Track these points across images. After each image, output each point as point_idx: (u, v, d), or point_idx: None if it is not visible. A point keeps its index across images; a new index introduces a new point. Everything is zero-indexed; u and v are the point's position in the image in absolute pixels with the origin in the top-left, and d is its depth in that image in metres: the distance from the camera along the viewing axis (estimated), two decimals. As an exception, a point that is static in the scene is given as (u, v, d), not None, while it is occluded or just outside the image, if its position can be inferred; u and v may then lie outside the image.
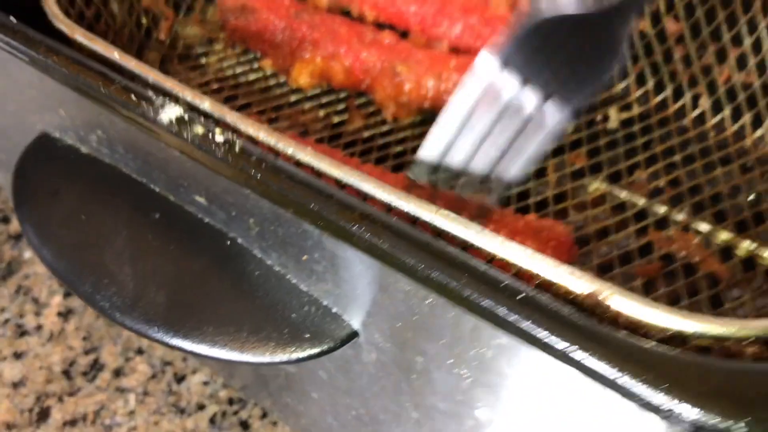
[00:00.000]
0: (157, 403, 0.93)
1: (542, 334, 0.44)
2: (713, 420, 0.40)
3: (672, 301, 0.69)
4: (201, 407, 0.92)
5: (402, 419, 0.66)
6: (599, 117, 0.85)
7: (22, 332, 0.98)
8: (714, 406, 0.40)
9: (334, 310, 0.60)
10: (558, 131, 0.60)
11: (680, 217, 0.75)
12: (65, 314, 1.00)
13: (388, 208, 0.53)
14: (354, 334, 0.60)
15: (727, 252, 0.72)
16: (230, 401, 0.92)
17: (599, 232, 0.74)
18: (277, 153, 0.56)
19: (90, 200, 0.68)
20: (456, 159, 0.63)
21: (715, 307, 0.68)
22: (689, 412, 0.40)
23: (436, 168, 0.64)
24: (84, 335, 0.98)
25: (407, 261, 0.48)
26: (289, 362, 0.58)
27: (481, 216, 0.66)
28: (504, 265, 0.50)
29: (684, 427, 0.41)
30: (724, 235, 0.73)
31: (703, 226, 0.74)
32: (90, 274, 0.62)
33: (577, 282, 0.47)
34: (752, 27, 0.77)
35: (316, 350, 0.58)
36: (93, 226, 0.66)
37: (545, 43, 0.55)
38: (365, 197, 0.53)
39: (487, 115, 0.59)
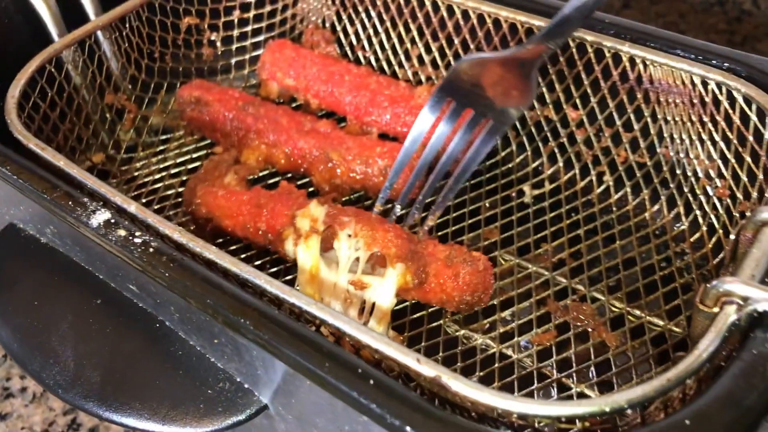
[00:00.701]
0: (129, 460, 1.01)
1: (385, 414, 0.52)
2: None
3: (563, 368, 0.76)
4: (169, 464, 1.00)
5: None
6: (514, 193, 0.93)
7: (7, 394, 1.07)
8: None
9: (245, 385, 0.68)
10: (486, 149, 0.80)
11: (579, 287, 0.82)
12: (49, 376, 1.09)
13: (278, 304, 0.62)
14: (264, 408, 0.68)
15: (619, 320, 0.79)
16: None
17: (503, 303, 0.82)
18: (189, 251, 0.65)
19: (44, 288, 0.78)
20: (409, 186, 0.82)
21: (603, 372, 0.75)
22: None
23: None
24: (65, 396, 1.07)
25: (284, 351, 0.56)
26: (204, 433, 0.67)
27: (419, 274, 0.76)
28: (368, 354, 0.58)
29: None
30: (617, 305, 0.81)
31: (599, 296, 0.81)
32: (38, 356, 0.72)
33: (422, 368, 0.55)
34: (638, 115, 0.85)
35: (228, 422, 0.67)
36: (44, 312, 0.75)
37: (477, 77, 0.77)
38: (261, 292, 0.62)
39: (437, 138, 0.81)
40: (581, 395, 0.73)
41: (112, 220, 0.67)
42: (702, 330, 0.59)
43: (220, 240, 0.88)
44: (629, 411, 0.54)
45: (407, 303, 0.83)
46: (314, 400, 0.60)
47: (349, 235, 0.76)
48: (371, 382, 0.53)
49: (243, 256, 0.87)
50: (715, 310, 0.58)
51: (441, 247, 0.79)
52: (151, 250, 0.64)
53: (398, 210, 0.84)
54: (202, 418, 0.66)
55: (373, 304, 0.75)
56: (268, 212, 0.81)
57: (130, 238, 0.65)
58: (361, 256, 0.76)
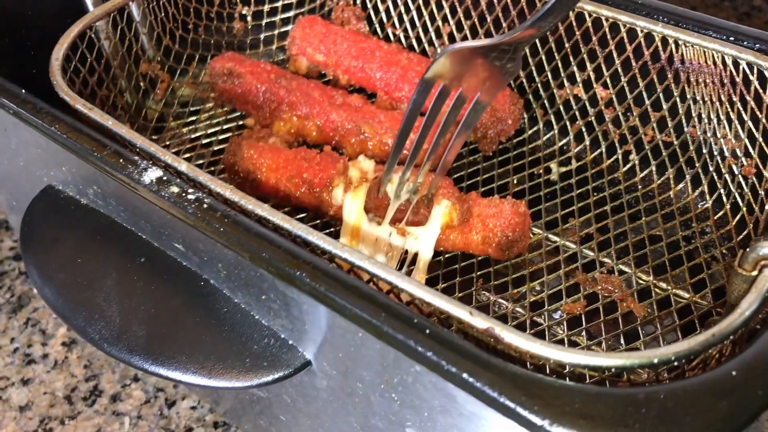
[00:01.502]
0: (149, 426, 1.02)
1: (441, 362, 0.53)
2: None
3: (592, 336, 0.78)
4: (189, 430, 1.02)
5: (353, 438, 0.75)
6: (541, 170, 0.95)
7: (29, 360, 1.09)
8: (575, 425, 0.50)
9: (290, 342, 0.70)
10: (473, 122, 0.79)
11: (606, 260, 0.85)
12: (69, 344, 1.10)
13: (331, 257, 0.63)
14: (307, 363, 0.70)
15: (646, 292, 0.82)
16: (215, 425, 1.02)
17: (533, 274, 0.84)
18: (240, 209, 0.67)
19: (86, 246, 0.79)
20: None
21: (631, 341, 0.77)
22: (555, 429, 0.50)
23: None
24: (85, 363, 1.08)
25: (338, 301, 0.58)
26: (250, 387, 0.68)
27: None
28: (420, 307, 0.60)
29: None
30: (643, 277, 0.83)
31: (626, 269, 0.84)
32: (83, 311, 0.73)
33: (475, 320, 0.56)
34: (668, 94, 0.87)
35: (272, 377, 0.68)
36: (87, 269, 0.76)
37: (468, 61, 0.74)
38: (314, 248, 0.64)
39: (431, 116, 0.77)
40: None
41: (164, 177, 0.68)
42: (740, 293, 0.62)
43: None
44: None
45: (438, 272, 0.85)
46: (364, 353, 0.62)
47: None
48: (427, 331, 0.55)
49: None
50: (754, 273, 0.60)
51: (482, 197, 0.84)
52: (205, 206, 0.65)
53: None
54: (247, 372, 0.68)
55: (415, 255, 0.78)
56: (317, 165, 0.84)
57: (183, 194, 0.66)
58: (410, 199, 0.80)
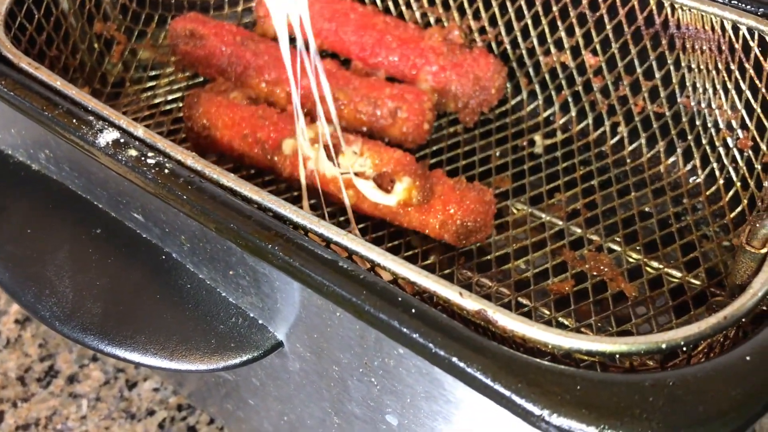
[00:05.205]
0: (108, 408, 0.97)
1: (429, 344, 0.48)
2: (574, 426, 0.45)
3: (582, 317, 0.74)
4: (151, 413, 0.96)
5: (327, 424, 0.70)
6: (525, 143, 0.90)
7: (-23, 339, 1.02)
8: (576, 415, 0.45)
9: (260, 321, 0.65)
10: None
11: (594, 237, 0.80)
12: (22, 322, 1.04)
13: (305, 231, 0.58)
14: (278, 345, 0.64)
15: (636, 271, 0.78)
16: (179, 407, 0.97)
17: (517, 252, 0.79)
18: (203, 177, 0.61)
19: (37, 215, 0.72)
20: None
21: (622, 323, 0.73)
22: (553, 419, 0.45)
23: None
24: (40, 342, 1.02)
25: (315, 278, 0.53)
26: (215, 370, 0.63)
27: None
28: (406, 285, 0.55)
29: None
30: (634, 256, 0.79)
31: (615, 247, 0.79)
32: (32, 286, 0.67)
33: (466, 301, 0.51)
34: (661, 62, 0.83)
35: (240, 359, 0.63)
36: (38, 241, 0.70)
37: None
38: (285, 221, 0.58)
39: None
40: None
41: (122, 140, 0.62)
42: (746, 272, 0.58)
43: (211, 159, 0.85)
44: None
45: (418, 250, 0.80)
46: (342, 333, 0.57)
47: (355, 153, 0.75)
48: (413, 310, 0.50)
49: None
50: (763, 251, 0.56)
51: (449, 177, 0.79)
52: (166, 171, 0.60)
53: None
54: (213, 354, 0.63)
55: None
56: (272, 125, 0.78)
57: (143, 158, 0.61)
58: (367, 173, 0.74)
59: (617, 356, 0.51)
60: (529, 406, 0.46)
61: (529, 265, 0.78)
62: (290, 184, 0.82)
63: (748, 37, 0.74)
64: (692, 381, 0.47)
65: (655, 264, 0.78)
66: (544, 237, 0.81)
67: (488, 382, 0.47)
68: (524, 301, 0.75)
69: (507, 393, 0.46)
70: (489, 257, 0.79)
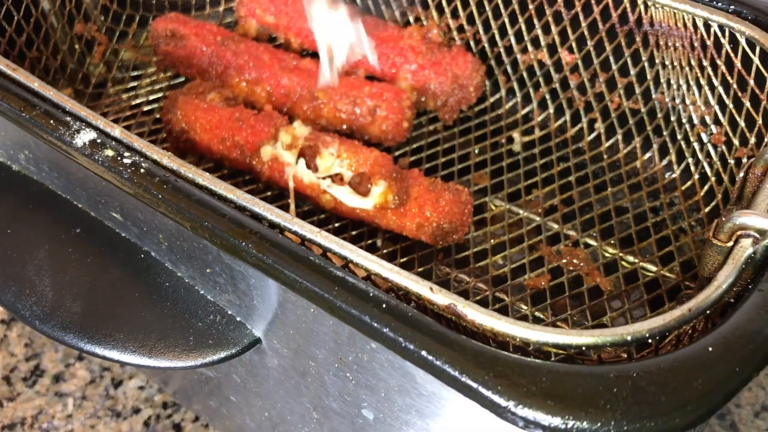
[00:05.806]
0: (94, 407, 0.97)
1: (398, 338, 0.49)
2: (539, 417, 0.46)
3: (558, 311, 0.75)
4: (136, 411, 0.97)
5: (306, 419, 0.71)
6: (504, 140, 0.91)
7: (-37, 340, 1.03)
8: (541, 406, 0.46)
9: (238, 318, 0.65)
10: None
11: (571, 233, 0.81)
12: (8, 322, 1.04)
13: (280, 229, 0.59)
14: (256, 341, 0.65)
15: (612, 266, 0.78)
16: (164, 405, 0.97)
17: (495, 248, 0.80)
18: (179, 177, 0.61)
19: (16, 215, 0.73)
20: None
21: (598, 317, 0.74)
22: (518, 410, 0.46)
23: None
24: (26, 342, 1.02)
25: (288, 274, 0.54)
26: (194, 367, 0.63)
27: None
28: (380, 282, 0.56)
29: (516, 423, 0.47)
30: (610, 251, 0.80)
31: (591, 242, 0.80)
32: (12, 285, 0.68)
33: (436, 296, 0.52)
34: (636, 59, 0.84)
35: (219, 356, 0.64)
36: (18, 240, 0.71)
37: None
38: (261, 220, 0.59)
39: None
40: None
41: (99, 140, 0.63)
42: (713, 265, 0.58)
43: (191, 160, 0.86)
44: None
45: (397, 246, 0.81)
46: (317, 330, 0.57)
47: (332, 154, 0.75)
48: (384, 306, 0.51)
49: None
50: (729, 244, 0.57)
51: (425, 177, 0.79)
52: (142, 171, 0.60)
53: None
54: (191, 351, 0.63)
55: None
56: (249, 128, 0.79)
57: (119, 158, 0.61)
58: (344, 175, 0.74)
59: (586, 349, 0.52)
60: (496, 398, 0.46)
61: (506, 261, 0.79)
62: (269, 185, 0.83)
63: (719, 34, 0.75)
64: (655, 372, 0.47)
65: (630, 258, 0.79)
66: (522, 233, 0.81)
67: (456, 374, 0.47)
68: (501, 296, 0.76)
69: (474, 385, 0.47)
70: (467, 253, 0.80)
